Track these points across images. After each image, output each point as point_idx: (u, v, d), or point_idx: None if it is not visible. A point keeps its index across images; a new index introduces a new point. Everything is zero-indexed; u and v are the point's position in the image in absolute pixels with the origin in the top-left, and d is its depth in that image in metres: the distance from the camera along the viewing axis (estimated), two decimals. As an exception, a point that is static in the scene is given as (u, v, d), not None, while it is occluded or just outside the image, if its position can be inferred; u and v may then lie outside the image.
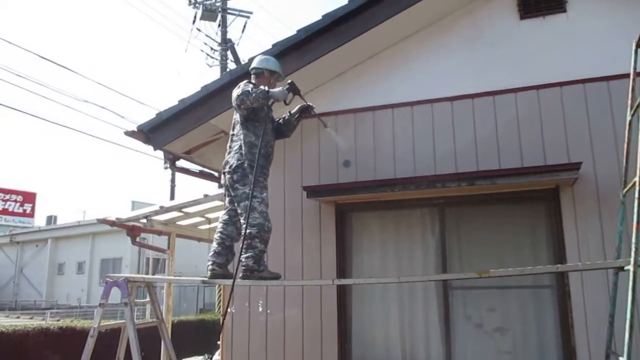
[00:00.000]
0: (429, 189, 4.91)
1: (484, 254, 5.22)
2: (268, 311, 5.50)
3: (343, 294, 5.38)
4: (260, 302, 5.52)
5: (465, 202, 5.28)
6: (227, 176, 4.30)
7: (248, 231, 4.09)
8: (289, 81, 4.50)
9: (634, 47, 3.64)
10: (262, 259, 4.12)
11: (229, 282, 4.15)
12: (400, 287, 5.32)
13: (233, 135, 4.47)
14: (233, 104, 4.40)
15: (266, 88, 4.25)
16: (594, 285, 4.59)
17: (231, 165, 4.30)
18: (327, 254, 5.42)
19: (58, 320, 13.30)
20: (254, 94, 4.17)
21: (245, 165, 4.24)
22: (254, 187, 4.14)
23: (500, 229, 5.24)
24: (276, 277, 4.21)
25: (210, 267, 4.28)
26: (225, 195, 4.48)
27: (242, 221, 4.19)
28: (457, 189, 4.92)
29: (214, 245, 4.37)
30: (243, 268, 4.08)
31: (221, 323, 5.39)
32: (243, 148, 4.30)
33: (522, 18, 5.35)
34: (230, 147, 4.46)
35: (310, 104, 4.71)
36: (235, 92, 4.31)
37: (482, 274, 3.57)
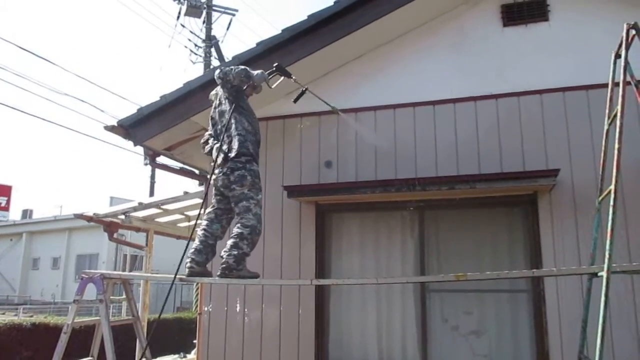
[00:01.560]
0: (409, 191, 4.94)
1: (462, 257, 5.27)
2: (246, 310, 5.47)
3: (321, 294, 5.38)
4: (238, 300, 5.50)
5: (445, 205, 5.32)
6: (223, 176, 4.09)
7: (240, 231, 4.00)
8: (275, 64, 4.40)
9: (612, 58, 3.70)
10: (244, 260, 4.05)
11: (206, 280, 4.11)
12: (379, 289, 5.34)
13: (223, 126, 4.22)
14: (218, 82, 4.24)
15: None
16: (568, 291, 4.66)
17: (230, 149, 4.07)
18: (306, 254, 5.42)
19: (31, 316, 13.04)
20: (234, 70, 4.14)
21: (246, 163, 4.06)
22: (252, 189, 4.05)
23: (478, 233, 5.29)
24: (254, 276, 4.17)
25: (188, 264, 4.20)
26: (215, 192, 4.30)
27: (237, 219, 4.09)
28: (437, 193, 4.96)
29: (196, 242, 4.27)
30: (223, 266, 4.01)
31: (198, 322, 5.34)
32: (238, 137, 4.07)
33: (505, 25, 5.41)
34: (219, 137, 4.21)
35: (305, 87, 4.59)
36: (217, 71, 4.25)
37: (460, 277, 3.59)
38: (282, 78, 4.51)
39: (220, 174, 4.11)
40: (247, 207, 4.02)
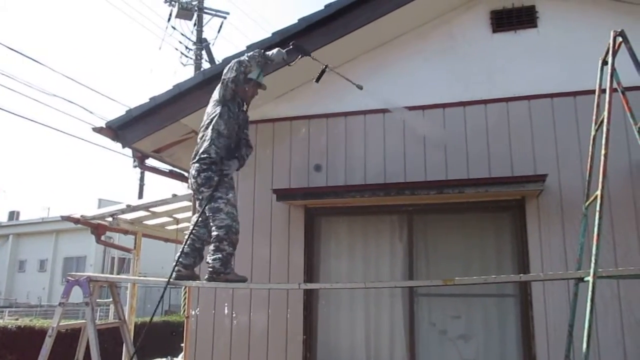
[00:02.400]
0: (398, 196, 4.95)
1: (450, 261, 5.28)
2: (233, 314, 5.45)
3: (310, 298, 5.37)
4: (226, 304, 5.47)
5: (433, 209, 5.34)
6: (192, 178, 4.12)
7: (215, 233, 4.02)
8: (292, 42, 4.32)
9: (599, 64, 3.74)
10: (230, 261, 4.06)
11: (194, 283, 4.09)
12: (367, 293, 5.34)
13: (200, 127, 4.26)
14: (223, 79, 4.16)
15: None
16: (555, 295, 4.69)
17: (196, 155, 4.09)
18: (295, 257, 5.41)
19: (17, 319, 12.87)
20: (247, 58, 4.10)
21: (212, 165, 4.04)
22: (218, 188, 4.03)
23: (467, 237, 5.31)
24: (242, 280, 4.16)
25: (176, 268, 4.20)
26: (196, 198, 4.34)
27: (211, 222, 4.12)
28: (425, 197, 4.97)
29: (184, 245, 4.28)
30: (209, 270, 4.02)
31: (185, 326, 5.31)
32: (209, 135, 4.07)
33: (494, 31, 5.45)
34: (198, 139, 4.23)
35: (326, 65, 4.41)
36: (232, 63, 4.14)
37: (447, 282, 3.60)
38: (300, 57, 4.37)
39: (191, 177, 4.13)
40: (217, 208, 4.01)
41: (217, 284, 4.08)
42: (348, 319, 5.41)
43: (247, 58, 4.13)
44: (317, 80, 4.45)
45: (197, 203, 4.32)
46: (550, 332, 4.65)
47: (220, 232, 3.99)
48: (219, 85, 4.24)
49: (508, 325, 5.00)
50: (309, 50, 4.34)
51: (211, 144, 4.05)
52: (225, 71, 4.17)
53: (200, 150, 4.07)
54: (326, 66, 4.38)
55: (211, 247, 4.05)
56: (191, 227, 4.33)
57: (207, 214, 4.18)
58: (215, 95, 4.27)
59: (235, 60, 4.14)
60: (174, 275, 4.17)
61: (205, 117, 4.27)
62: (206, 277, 4.04)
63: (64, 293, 4.29)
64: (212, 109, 4.23)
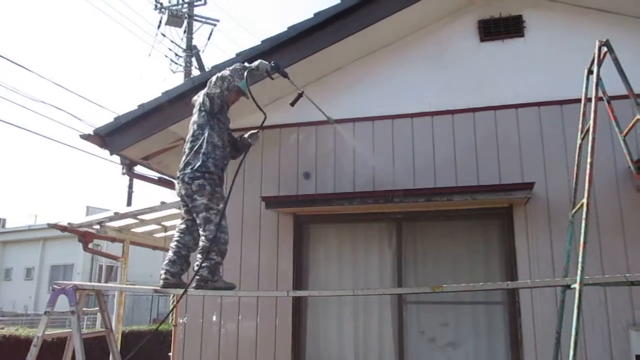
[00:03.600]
0: (387, 203, 4.96)
1: (439, 269, 5.30)
2: (222, 322, 5.42)
3: (298, 305, 5.36)
4: (214, 312, 5.44)
5: (422, 217, 5.35)
6: (184, 185, 4.11)
7: (204, 244, 4.03)
8: (272, 62, 4.34)
9: (585, 74, 3.79)
10: (218, 270, 4.05)
11: (181, 291, 4.07)
12: (356, 300, 5.33)
13: (191, 137, 4.24)
14: (208, 94, 4.20)
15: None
16: (543, 302, 4.71)
17: (193, 167, 4.06)
18: (284, 265, 5.40)
19: (2, 328, 12.69)
20: (229, 73, 4.14)
21: (205, 173, 4.06)
22: (212, 199, 4.06)
23: (455, 244, 5.33)
24: (230, 287, 4.15)
25: (163, 275, 4.17)
26: (181, 204, 4.35)
27: (200, 232, 4.10)
28: (414, 205, 4.99)
29: (170, 253, 4.27)
30: (197, 278, 4.01)
31: (173, 333, 5.26)
32: (204, 148, 4.10)
33: (482, 40, 5.50)
34: (187, 148, 4.22)
35: (301, 90, 4.53)
36: (213, 80, 4.19)
37: (436, 289, 3.61)
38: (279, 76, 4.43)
39: (182, 184, 4.13)
40: (207, 218, 4.04)
41: (205, 292, 4.07)
42: (337, 327, 5.40)
43: (229, 72, 4.17)
44: (293, 104, 4.58)
45: (184, 210, 4.33)
46: (538, 339, 4.67)
47: (209, 243, 4.00)
48: (204, 97, 4.26)
49: (496, 333, 5.01)
50: (287, 74, 4.41)
51: (208, 158, 4.08)
52: (209, 84, 4.20)
53: (197, 164, 4.06)
54: (302, 92, 4.52)
55: (199, 255, 4.05)
56: (176, 235, 4.32)
57: (195, 222, 4.17)
58: (201, 105, 4.28)
59: (218, 75, 4.17)
60: (161, 283, 4.15)
61: (193, 126, 4.28)
62: (194, 284, 4.02)
63: (49, 302, 4.24)
64: (200, 120, 4.25)
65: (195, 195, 4.07)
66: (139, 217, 8.04)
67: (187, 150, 4.22)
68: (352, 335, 5.35)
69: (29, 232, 29.16)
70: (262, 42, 5.32)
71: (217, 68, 5.36)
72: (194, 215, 4.16)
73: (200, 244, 4.06)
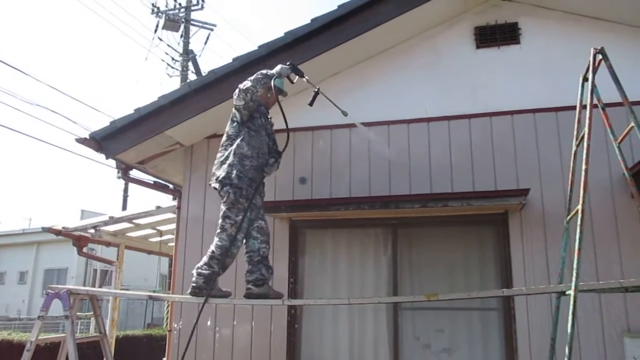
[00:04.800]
0: (383, 209, 4.96)
1: (434, 274, 5.30)
2: (217, 327, 5.40)
3: (293, 311, 5.35)
4: (209, 317, 5.42)
5: (418, 223, 5.35)
6: (216, 192, 4.10)
7: (212, 249, 4.00)
8: (288, 63, 4.31)
9: (580, 81, 3.81)
10: (213, 280, 3.96)
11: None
12: (351, 307, 5.32)
13: (220, 146, 4.22)
14: (235, 106, 4.17)
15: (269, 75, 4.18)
16: (538, 308, 4.72)
17: (217, 178, 4.05)
18: (279, 271, 5.37)
19: (-5, 333, 12.61)
20: (252, 83, 4.08)
21: (229, 184, 3.98)
22: (232, 209, 3.99)
23: (451, 250, 5.33)
24: (225, 295, 4.11)
25: (247, 285, 4.08)
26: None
27: (215, 239, 4.05)
28: (410, 210, 4.99)
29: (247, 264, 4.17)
30: (192, 285, 3.98)
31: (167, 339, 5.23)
32: (230, 159, 4.05)
33: (478, 47, 5.53)
34: (216, 157, 4.21)
35: (317, 88, 4.46)
36: (236, 93, 4.14)
37: (431, 297, 3.61)
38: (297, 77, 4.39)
39: (216, 191, 4.12)
40: (222, 227, 4.00)
41: (201, 300, 4.00)
42: (332, 333, 5.38)
43: (251, 84, 4.09)
44: (311, 103, 4.50)
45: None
46: (533, 345, 4.67)
47: (217, 251, 3.97)
48: (233, 108, 4.23)
49: (491, 339, 5.01)
50: (303, 73, 4.36)
51: (232, 169, 4.01)
52: (234, 98, 4.15)
53: (221, 175, 4.03)
54: (318, 90, 4.44)
55: (204, 258, 4.02)
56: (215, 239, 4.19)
57: (252, 225, 4.12)
58: (233, 116, 4.24)
59: (240, 88, 4.10)
60: (245, 293, 4.07)
61: (224, 136, 4.25)
62: (189, 291, 3.99)
63: (43, 306, 4.22)
64: (231, 130, 4.21)
65: (221, 202, 4.07)
66: (134, 221, 8.02)
67: (215, 161, 4.21)
68: (347, 341, 5.34)
69: (23, 236, 28.95)
70: (259, 47, 5.33)
71: (214, 73, 5.38)
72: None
73: (210, 247, 4.03)
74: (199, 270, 3.98)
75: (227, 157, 4.09)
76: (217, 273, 4.01)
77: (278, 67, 4.22)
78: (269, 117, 4.42)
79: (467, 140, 5.27)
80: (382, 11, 5.20)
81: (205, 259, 4.02)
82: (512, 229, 4.99)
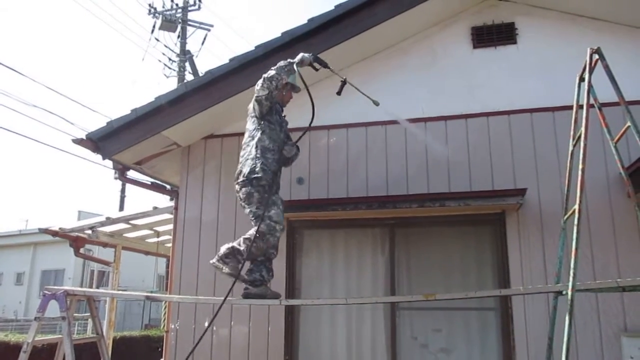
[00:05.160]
0: (380, 209, 4.96)
1: (432, 274, 5.30)
2: (214, 328, 5.39)
3: (291, 311, 5.34)
4: (207, 318, 5.41)
5: (415, 223, 5.35)
6: (237, 193, 4.07)
7: (245, 247, 3.98)
8: (311, 54, 4.26)
9: (577, 81, 3.81)
10: (262, 275, 3.99)
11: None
12: (349, 306, 5.32)
13: (243, 143, 4.18)
14: (256, 97, 4.10)
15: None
16: (535, 308, 4.73)
17: (243, 174, 4.00)
18: (277, 271, 5.33)
19: (-9, 334, 12.56)
20: (276, 72, 4.02)
21: (253, 179, 3.94)
22: (259, 207, 3.93)
23: (448, 250, 5.33)
24: (276, 296, 4.07)
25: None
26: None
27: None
28: (407, 210, 4.99)
29: (248, 263, 4.16)
30: (246, 290, 4.01)
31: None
32: (254, 153, 4.00)
33: (475, 47, 5.54)
34: (240, 156, 4.17)
35: (344, 78, 4.41)
36: (259, 83, 4.08)
37: (428, 297, 3.61)
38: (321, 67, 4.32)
39: (237, 193, 4.08)
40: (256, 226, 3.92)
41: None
42: (330, 333, 5.38)
43: (275, 72, 4.05)
44: (339, 93, 4.44)
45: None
46: (531, 345, 4.68)
47: (251, 244, 3.93)
48: (252, 101, 4.18)
49: (489, 339, 5.01)
50: (327, 63, 4.29)
51: (255, 162, 3.98)
52: (257, 89, 4.10)
53: (247, 171, 3.99)
54: (344, 80, 4.38)
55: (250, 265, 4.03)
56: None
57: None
58: (252, 111, 4.20)
59: (265, 77, 4.05)
60: (242, 293, 4.06)
61: (245, 134, 4.21)
62: (242, 294, 4.02)
63: (40, 307, 4.21)
64: (251, 125, 4.17)
65: (243, 203, 4.01)
66: (131, 222, 8.01)
67: (240, 159, 4.16)
68: (344, 341, 5.33)
69: (19, 237, 28.88)
70: (256, 47, 5.32)
71: (211, 73, 5.38)
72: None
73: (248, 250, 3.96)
74: (250, 273, 3.98)
75: (249, 152, 4.05)
76: (267, 267, 4.03)
77: (299, 56, 4.17)
78: (283, 114, 4.38)
79: (464, 140, 5.28)
80: (379, 11, 5.21)
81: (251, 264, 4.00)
82: (509, 229, 5.00)
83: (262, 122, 4.11)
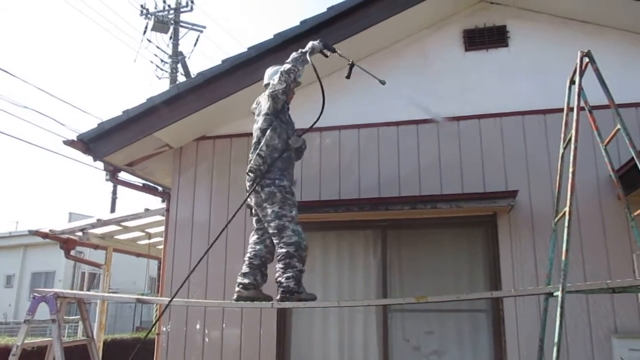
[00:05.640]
0: (372, 211, 4.96)
1: (423, 276, 5.31)
2: (206, 331, 5.36)
3: (283, 314, 5.33)
4: (198, 321, 5.39)
5: (407, 225, 5.36)
6: (255, 193, 3.97)
7: (285, 250, 3.82)
8: (319, 40, 4.21)
9: (567, 84, 3.84)
10: (301, 279, 3.86)
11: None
12: (341, 309, 5.32)
13: (257, 143, 4.08)
14: (272, 93, 4.05)
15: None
16: (526, 310, 4.74)
17: (249, 170, 3.95)
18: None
19: (-20, 337, 12.45)
20: (293, 64, 3.97)
21: (275, 179, 3.90)
22: (283, 207, 3.87)
23: (440, 252, 5.35)
24: (313, 298, 3.95)
25: (236, 288, 3.99)
26: (251, 213, 4.20)
27: (275, 241, 3.93)
28: (399, 212, 5.00)
29: (243, 265, 4.09)
30: (282, 289, 3.81)
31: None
32: (261, 151, 3.94)
33: (467, 50, 5.56)
34: (252, 155, 4.08)
35: (351, 61, 4.28)
36: (276, 78, 4.03)
37: (420, 299, 3.61)
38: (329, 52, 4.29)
39: (253, 192, 3.97)
40: (282, 226, 3.85)
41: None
42: (321, 335, 5.37)
43: (291, 64, 3.99)
44: (348, 76, 4.37)
45: (255, 219, 4.15)
46: (522, 347, 4.69)
47: (290, 248, 3.82)
48: (267, 98, 4.09)
49: (480, 340, 5.03)
50: (335, 48, 4.26)
51: (265, 162, 3.92)
52: (272, 83, 4.05)
53: (251, 167, 3.94)
54: (352, 62, 4.31)
55: (280, 265, 3.83)
56: (249, 246, 4.14)
57: (268, 231, 4.02)
58: (265, 109, 4.10)
59: (282, 70, 3.99)
60: (234, 295, 3.97)
61: (257, 132, 4.12)
62: (278, 297, 3.83)
63: (29, 310, 4.18)
64: (264, 124, 4.07)
65: (265, 203, 3.91)
66: (123, 224, 7.97)
67: (250, 156, 4.08)
68: (336, 343, 5.33)
69: (9, 239, 28.63)
70: (249, 49, 5.32)
71: (203, 74, 5.36)
72: (266, 225, 3.99)
73: (280, 251, 3.85)
74: (285, 274, 3.80)
75: (262, 146, 3.97)
76: (302, 271, 3.86)
77: (310, 44, 4.12)
78: (288, 112, 4.30)
79: (456, 142, 5.30)
80: (371, 13, 5.22)
81: (282, 263, 3.82)
82: (500, 231, 5.01)
83: (276, 120, 4.05)
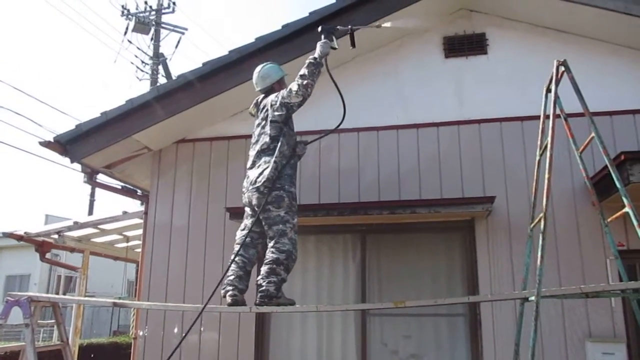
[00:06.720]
0: (352, 215, 4.98)
1: (402, 280, 5.34)
2: (183, 335, 5.31)
3: (261, 318, 5.31)
4: (176, 325, 5.35)
5: (386, 229, 5.39)
6: (258, 194, 3.89)
7: (275, 256, 3.79)
8: (319, 28, 4.17)
9: (544, 92, 3.90)
10: (281, 287, 3.85)
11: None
12: (319, 313, 5.31)
13: (263, 146, 4.01)
14: (287, 103, 4.00)
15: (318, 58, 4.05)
16: (503, 314, 4.80)
17: (267, 179, 3.86)
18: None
19: (-49, 342, 12.14)
20: (308, 75, 3.96)
21: (285, 185, 3.89)
22: (289, 212, 3.86)
23: (419, 257, 5.38)
24: (292, 303, 3.93)
25: (230, 292, 3.91)
26: (248, 215, 4.11)
27: (270, 244, 3.89)
28: (378, 217, 5.03)
29: (235, 269, 4.01)
30: (262, 294, 3.77)
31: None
32: (276, 158, 3.89)
33: (446, 57, 5.62)
34: (259, 159, 4.02)
35: (349, 27, 4.25)
36: (287, 92, 4.00)
37: (398, 304, 3.63)
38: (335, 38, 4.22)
39: (256, 192, 3.90)
40: (282, 231, 3.83)
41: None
42: (300, 340, 5.37)
43: (310, 80, 3.96)
44: (352, 44, 4.33)
45: (249, 221, 4.08)
46: (498, 351, 4.74)
47: (281, 256, 3.79)
48: (279, 105, 4.03)
49: (458, 344, 5.07)
50: (334, 30, 4.21)
51: (275, 169, 3.88)
52: (286, 95, 4.00)
53: (273, 176, 3.88)
54: (350, 28, 4.28)
55: (266, 268, 3.81)
56: (237, 248, 4.06)
57: (260, 235, 4.02)
58: (274, 115, 4.04)
59: (300, 83, 3.94)
60: (229, 300, 3.90)
61: (264, 137, 4.05)
62: (257, 301, 3.80)
63: (2, 313, 4.11)
64: (273, 131, 4.01)
65: (269, 206, 3.86)
66: (100, 226, 7.87)
67: (260, 162, 4.00)
68: (315, 347, 5.32)
69: (-17, 241, 28.08)
70: (230, 52, 5.31)
71: (184, 77, 5.33)
72: (266, 227, 3.94)
73: (270, 255, 3.82)
74: (268, 279, 3.77)
75: (276, 153, 3.94)
76: (284, 279, 3.84)
77: (319, 49, 4.08)
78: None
79: (435, 147, 5.34)
80: (354, 18, 5.23)
81: (267, 267, 3.79)
82: (478, 236, 5.07)
83: (285, 127, 4.03)
